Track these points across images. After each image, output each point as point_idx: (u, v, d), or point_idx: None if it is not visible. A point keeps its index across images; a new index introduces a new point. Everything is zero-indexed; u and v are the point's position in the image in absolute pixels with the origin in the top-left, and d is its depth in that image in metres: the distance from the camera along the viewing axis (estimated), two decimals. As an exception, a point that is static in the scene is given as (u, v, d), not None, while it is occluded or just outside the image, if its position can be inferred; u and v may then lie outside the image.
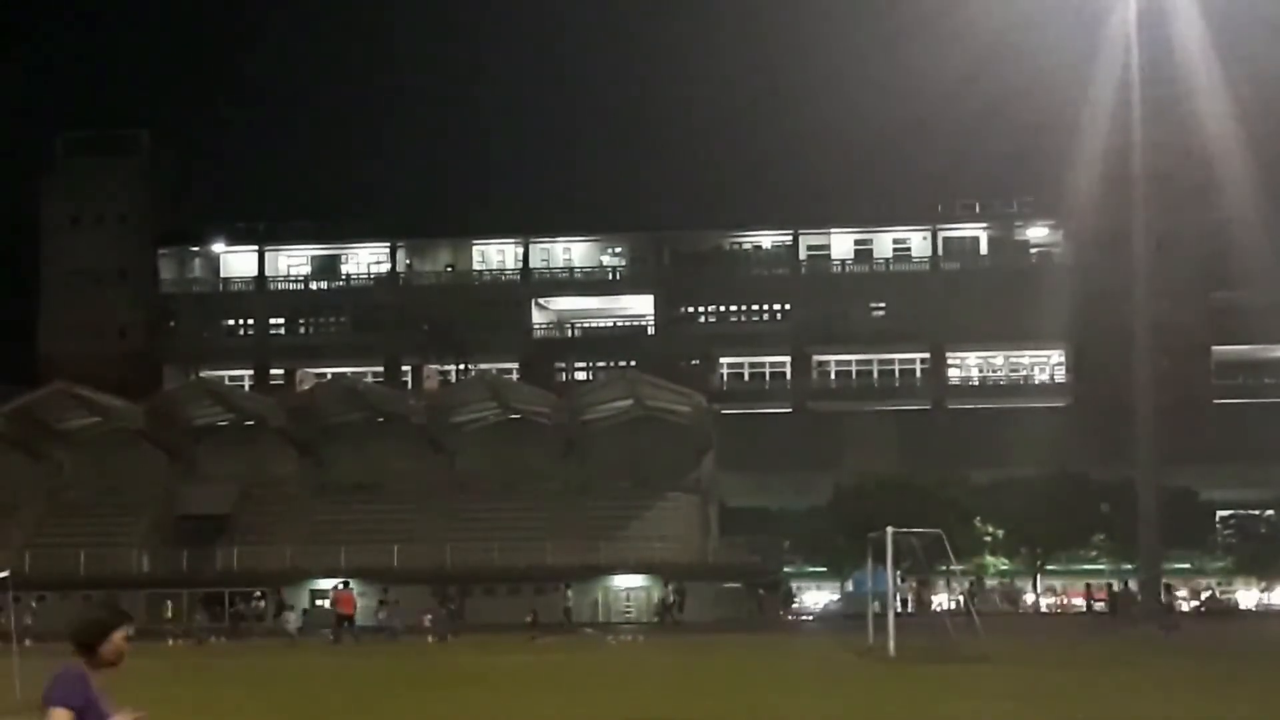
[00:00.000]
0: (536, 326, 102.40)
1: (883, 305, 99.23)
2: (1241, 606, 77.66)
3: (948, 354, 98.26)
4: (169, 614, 64.95)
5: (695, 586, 70.71)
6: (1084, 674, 28.78)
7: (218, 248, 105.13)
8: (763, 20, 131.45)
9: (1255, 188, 78.22)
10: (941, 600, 70.06)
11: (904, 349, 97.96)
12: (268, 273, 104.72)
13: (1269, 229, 78.30)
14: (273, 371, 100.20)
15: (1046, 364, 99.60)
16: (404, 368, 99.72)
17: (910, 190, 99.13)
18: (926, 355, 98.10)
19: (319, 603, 69.92)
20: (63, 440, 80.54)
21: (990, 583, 78.95)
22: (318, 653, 45.53)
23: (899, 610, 43.25)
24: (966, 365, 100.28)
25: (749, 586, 72.67)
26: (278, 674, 34.50)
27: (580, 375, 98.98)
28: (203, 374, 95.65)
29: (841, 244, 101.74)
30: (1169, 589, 62.58)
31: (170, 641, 52.85)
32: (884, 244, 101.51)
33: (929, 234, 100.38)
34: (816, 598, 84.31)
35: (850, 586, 75.37)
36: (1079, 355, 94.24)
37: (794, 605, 78.54)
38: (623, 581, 72.43)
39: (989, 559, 78.14)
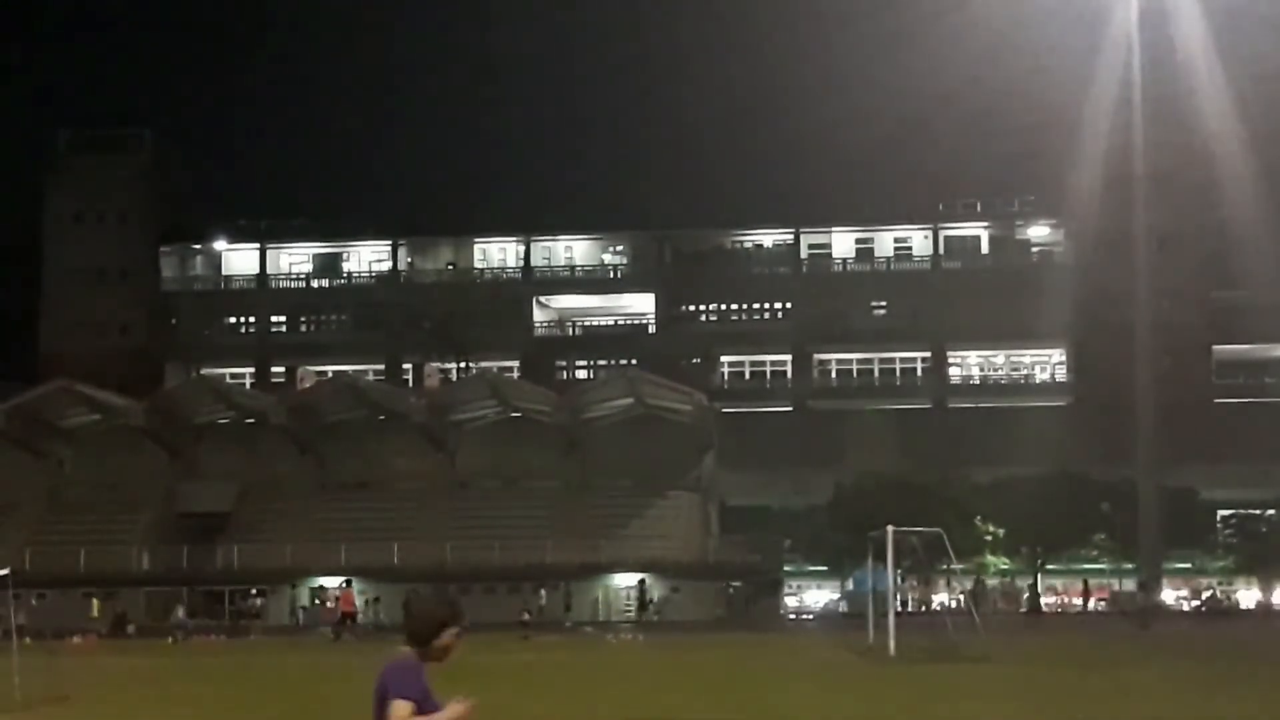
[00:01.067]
0: (537, 325, 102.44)
1: (884, 304, 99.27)
2: (1243, 606, 77.72)
3: (948, 353, 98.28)
4: (94, 612, 64.26)
5: (692, 585, 70.80)
6: (1085, 673, 28.82)
7: (219, 245, 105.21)
8: (764, 19, 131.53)
9: (1256, 187, 78.28)
10: (942, 599, 70.16)
11: (905, 348, 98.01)
12: (269, 270, 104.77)
13: (1270, 228, 78.30)
14: (274, 369, 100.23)
15: (1047, 363, 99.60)
16: (405, 366, 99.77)
17: (911, 189, 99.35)
18: (927, 354, 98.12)
19: (319, 601, 70.20)
20: (64, 438, 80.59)
21: (991, 582, 78.96)
22: (318, 650, 45.58)
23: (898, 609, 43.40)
24: (967, 364, 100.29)
25: (721, 587, 72.36)
26: (277, 672, 34.53)
27: (581, 374, 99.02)
28: (204, 372, 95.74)
29: (842, 243, 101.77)
30: (1144, 587, 62.75)
31: (171, 639, 52.89)
32: (885, 243, 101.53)
33: (930, 233, 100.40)
34: (817, 596, 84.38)
35: (850, 585, 75.42)
36: (1080, 354, 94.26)
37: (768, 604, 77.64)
38: (623, 580, 72.49)
39: (989, 558, 78.16)
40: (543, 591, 66.87)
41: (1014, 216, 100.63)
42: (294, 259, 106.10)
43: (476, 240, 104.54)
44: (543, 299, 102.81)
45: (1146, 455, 69.20)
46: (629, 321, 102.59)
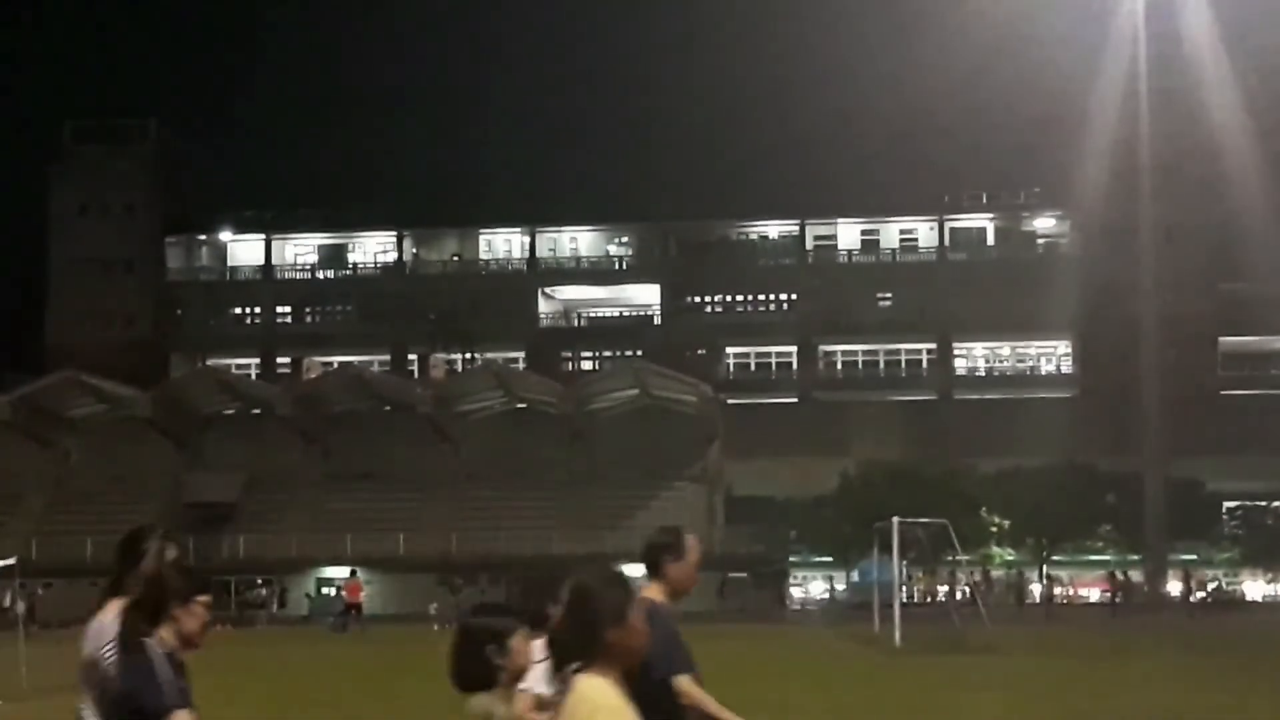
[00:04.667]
0: (543, 316, 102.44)
1: (889, 295, 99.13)
2: (1249, 598, 77.76)
3: (954, 344, 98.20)
4: (6, 602, 62.33)
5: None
6: (1088, 665, 28.81)
7: (225, 236, 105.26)
8: (770, 10, 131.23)
9: (1263, 179, 78.13)
10: (946, 591, 70.14)
11: (910, 339, 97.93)
12: (274, 261, 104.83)
13: (1277, 220, 78.17)
14: (279, 360, 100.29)
15: (1053, 355, 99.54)
16: (410, 356, 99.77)
17: (917, 180, 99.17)
18: (933, 345, 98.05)
19: (324, 590, 70.27)
20: (70, 428, 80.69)
21: (997, 573, 78.85)
22: (323, 641, 45.65)
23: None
24: (973, 356, 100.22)
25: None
26: (279, 662, 34.59)
27: (586, 365, 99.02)
28: (209, 362, 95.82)
29: (848, 234, 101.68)
30: (1046, 580, 62.71)
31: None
32: (891, 234, 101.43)
33: (936, 224, 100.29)
34: (822, 587, 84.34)
35: (856, 576, 75.44)
36: (1086, 346, 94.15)
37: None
38: (628, 571, 72.37)
39: (995, 549, 78.13)
40: (459, 581, 65.85)
41: (1020, 208, 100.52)
42: (299, 250, 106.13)
43: (482, 231, 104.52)
44: (548, 290, 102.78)
45: (1152, 447, 69.16)
46: (634, 313, 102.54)
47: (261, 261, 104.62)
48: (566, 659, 4.30)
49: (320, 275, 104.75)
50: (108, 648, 5.58)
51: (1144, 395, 69.48)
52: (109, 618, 5.64)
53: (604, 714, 4.17)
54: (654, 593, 6.52)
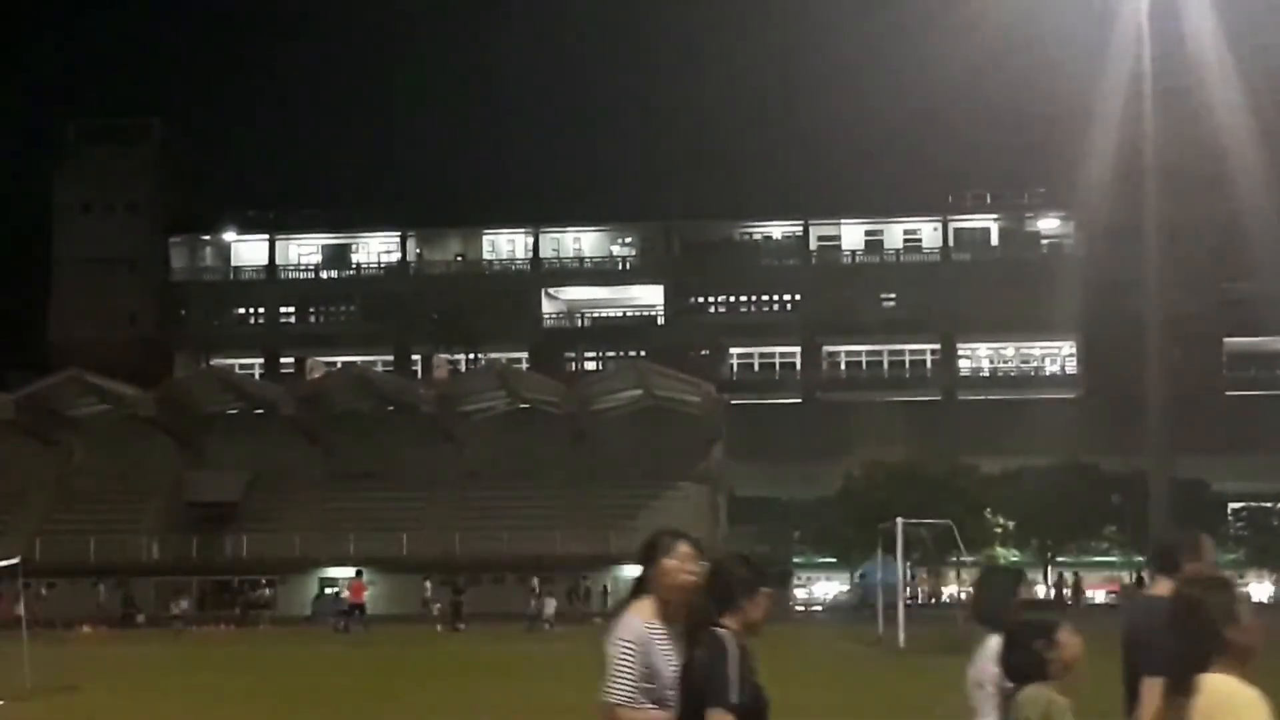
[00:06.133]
0: (546, 316, 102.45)
1: (893, 296, 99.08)
2: (1254, 600, 77.57)
3: (958, 344, 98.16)
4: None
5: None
6: (1090, 664, 28.72)
7: (228, 236, 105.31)
8: (774, 10, 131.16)
9: (1268, 178, 77.96)
10: (952, 591, 70.14)
11: (914, 339, 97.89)
12: (278, 261, 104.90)
13: (1281, 220, 78.09)
14: (283, 360, 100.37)
15: (1057, 355, 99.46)
16: (414, 357, 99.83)
17: (921, 181, 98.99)
18: (937, 346, 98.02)
19: (328, 590, 70.21)
20: (73, 427, 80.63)
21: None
22: (327, 641, 45.62)
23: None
24: (977, 356, 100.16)
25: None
26: (282, 662, 34.54)
27: (590, 365, 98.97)
28: (213, 362, 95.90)
29: (852, 234, 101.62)
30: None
31: (175, 630, 52.83)
32: (895, 234, 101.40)
33: (940, 225, 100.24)
34: (826, 588, 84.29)
35: (860, 577, 75.40)
36: (1090, 346, 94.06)
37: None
38: (631, 571, 72.34)
39: (999, 550, 78.09)
40: (428, 584, 65.08)
41: (1024, 208, 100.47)
42: (303, 250, 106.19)
43: (485, 232, 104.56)
44: (551, 290, 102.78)
45: (1157, 447, 68.97)
46: (637, 313, 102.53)
47: (265, 261, 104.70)
48: (1186, 670, 4.35)
49: (324, 275, 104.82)
50: (654, 641, 6.03)
51: (1148, 395, 69.12)
52: (636, 615, 6.17)
53: (1246, 711, 4.26)
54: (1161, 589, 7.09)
